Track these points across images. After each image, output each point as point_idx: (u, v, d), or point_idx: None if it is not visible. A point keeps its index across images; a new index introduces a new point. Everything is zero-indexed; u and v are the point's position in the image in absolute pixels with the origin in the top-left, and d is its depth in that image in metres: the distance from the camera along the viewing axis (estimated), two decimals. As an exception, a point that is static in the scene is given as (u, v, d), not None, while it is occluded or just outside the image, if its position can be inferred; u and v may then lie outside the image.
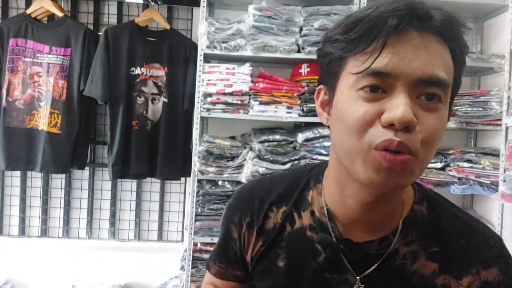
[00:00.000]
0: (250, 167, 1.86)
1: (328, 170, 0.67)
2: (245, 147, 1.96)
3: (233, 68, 1.92)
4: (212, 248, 2.03)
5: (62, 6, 2.19)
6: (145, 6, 2.25)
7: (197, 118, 1.93)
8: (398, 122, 0.48)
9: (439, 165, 1.96)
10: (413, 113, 0.49)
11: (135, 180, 2.33)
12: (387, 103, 0.50)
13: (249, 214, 0.71)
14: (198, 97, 1.92)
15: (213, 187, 1.98)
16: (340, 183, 0.61)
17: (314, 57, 1.67)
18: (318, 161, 1.60)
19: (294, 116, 1.94)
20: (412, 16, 0.50)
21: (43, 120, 2.04)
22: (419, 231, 0.61)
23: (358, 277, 0.61)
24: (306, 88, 1.96)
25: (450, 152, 2.00)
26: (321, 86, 0.63)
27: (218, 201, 1.95)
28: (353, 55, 0.53)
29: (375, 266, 0.61)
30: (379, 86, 0.51)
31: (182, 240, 2.37)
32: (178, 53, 2.13)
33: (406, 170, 0.51)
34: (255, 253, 0.71)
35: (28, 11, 2.08)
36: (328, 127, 0.61)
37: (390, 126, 0.49)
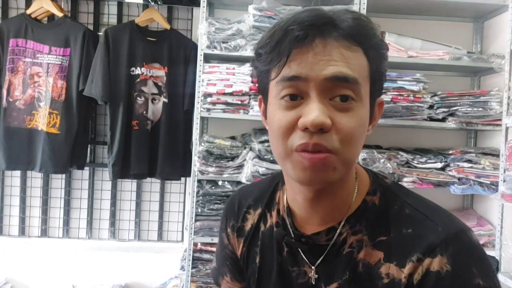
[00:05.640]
0: (250, 167, 1.86)
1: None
2: (245, 147, 1.96)
3: (233, 68, 1.92)
4: (212, 248, 2.04)
5: (62, 6, 2.19)
6: (145, 6, 2.25)
7: (197, 118, 1.93)
8: (311, 126, 0.53)
9: (439, 165, 1.96)
10: (327, 115, 0.54)
11: (135, 180, 2.33)
12: (303, 109, 0.55)
13: (233, 218, 0.79)
14: (198, 97, 1.92)
15: (213, 187, 1.98)
16: (290, 183, 0.66)
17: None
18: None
19: (294, 116, 1.93)
20: (315, 27, 0.55)
21: (43, 120, 2.05)
22: (367, 221, 0.62)
23: (313, 267, 0.65)
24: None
25: (450, 152, 2.00)
26: (260, 96, 0.67)
27: (218, 201, 1.95)
28: (272, 68, 0.58)
29: (322, 256, 0.64)
30: (296, 94, 0.56)
31: (182, 240, 2.37)
32: (178, 53, 2.13)
33: (328, 167, 0.55)
34: (241, 256, 0.77)
35: (28, 11, 2.08)
36: None
37: (305, 129, 0.54)
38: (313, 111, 0.53)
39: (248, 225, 0.76)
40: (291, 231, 0.67)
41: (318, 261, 0.64)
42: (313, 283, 0.65)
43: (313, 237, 0.64)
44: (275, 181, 0.77)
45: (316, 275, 0.64)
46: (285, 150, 0.57)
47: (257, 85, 0.67)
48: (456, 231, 0.56)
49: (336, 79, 0.54)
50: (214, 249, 1.94)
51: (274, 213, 0.72)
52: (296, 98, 0.56)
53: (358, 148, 0.57)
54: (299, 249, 0.66)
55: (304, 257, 0.66)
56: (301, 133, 0.55)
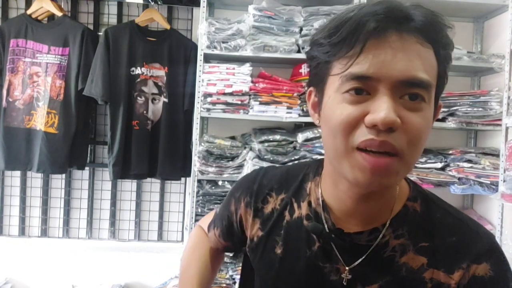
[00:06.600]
0: (250, 167, 1.86)
1: (325, 165, 0.69)
2: (245, 147, 1.97)
3: (233, 68, 1.92)
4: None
5: (62, 6, 2.19)
6: (145, 6, 2.25)
7: (197, 118, 1.93)
8: (381, 123, 0.50)
9: (439, 165, 1.96)
10: (396, 113, 0.51)
11: (135, 180, 2.33)
12: (371, 105, 0.52)
13: (249, 195, 0.76)
14: (198, 97, 1.92)
15: (213, 187, 1.98)
16: (334, 179, 0.64)
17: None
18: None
19: (294, 116, 1.94)
20: (391, 19, 0.52)
21: (41, 120, 2.04)
22: (409, 226, 0.63)
23: (347, 268, 0.63)
24: (306, 88, 1.95)
25: (450, 152, 2.00)
26: (311, 88, 0.64)
27: (218, 201, 1.95)
28: (337, 59, 0.55)
29: (364, 256, 0.62)
30: (363, 88, 0.53)
31: (182, 240, 2.37)
32: (178, 53, 2.13)
33: (391, 172, 0.53)
34: (254, 236, 0.75)
35: (29, 12, 2.08)
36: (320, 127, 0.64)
37: (373, 127, 0.51)
38: (384, 109, 0.50)
39: (268, 208, 0.74)
40: (325, 226, 0.65)
41: (358, 261, 0.63)
42: (346, 283, 0.63)
43: (353, 236, 0.63)
44: (303, 170, 0.74)
45: (350, 275, 0.63)
46: (345, 147, 0.54)
47: (309, 76, 0.65)
48: (495, 241, 0.62)
49: (411, 85, 0.52)
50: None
51: (304, 205, 0.69)
52: (361, 93, 0.53)
53: (421, 151, 0.56)
54: (333, 246, 0.65)
55: (338, 254, 0.64)
56: (366, 129, 0.52)
